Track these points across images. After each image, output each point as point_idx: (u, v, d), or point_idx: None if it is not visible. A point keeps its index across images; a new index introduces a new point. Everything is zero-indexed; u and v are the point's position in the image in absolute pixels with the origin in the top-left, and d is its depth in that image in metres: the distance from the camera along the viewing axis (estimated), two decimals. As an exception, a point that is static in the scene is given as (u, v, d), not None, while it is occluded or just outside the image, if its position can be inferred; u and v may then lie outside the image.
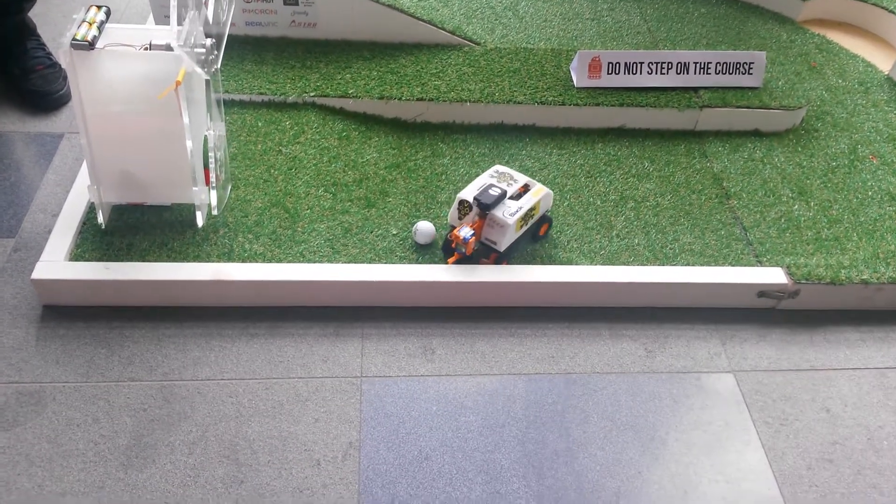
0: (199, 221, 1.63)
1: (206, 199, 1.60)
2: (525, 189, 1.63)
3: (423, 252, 1.66)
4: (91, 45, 1.36)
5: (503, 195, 1.58)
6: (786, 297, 1.70)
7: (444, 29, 2.16)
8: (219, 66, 1.48)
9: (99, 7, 1.44)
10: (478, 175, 1.68)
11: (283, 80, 2.01)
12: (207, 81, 1.48)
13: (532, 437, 1.43)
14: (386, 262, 1.63)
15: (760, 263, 1.74)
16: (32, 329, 1.51)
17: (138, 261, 1.56)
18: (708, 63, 2.12)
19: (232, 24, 1.66)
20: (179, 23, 1.39)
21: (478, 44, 2.21)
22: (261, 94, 1.97)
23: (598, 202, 1.86)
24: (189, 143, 1.48)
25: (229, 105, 1.95)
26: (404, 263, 1.63)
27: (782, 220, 1.86)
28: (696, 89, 2.12)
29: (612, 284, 1.64)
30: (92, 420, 1.38)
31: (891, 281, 1.69)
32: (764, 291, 1.68)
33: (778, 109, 2.10)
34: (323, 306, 1.60)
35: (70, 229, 1.60)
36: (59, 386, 1.42)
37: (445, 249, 1.65)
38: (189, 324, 1.55)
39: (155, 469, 1.32)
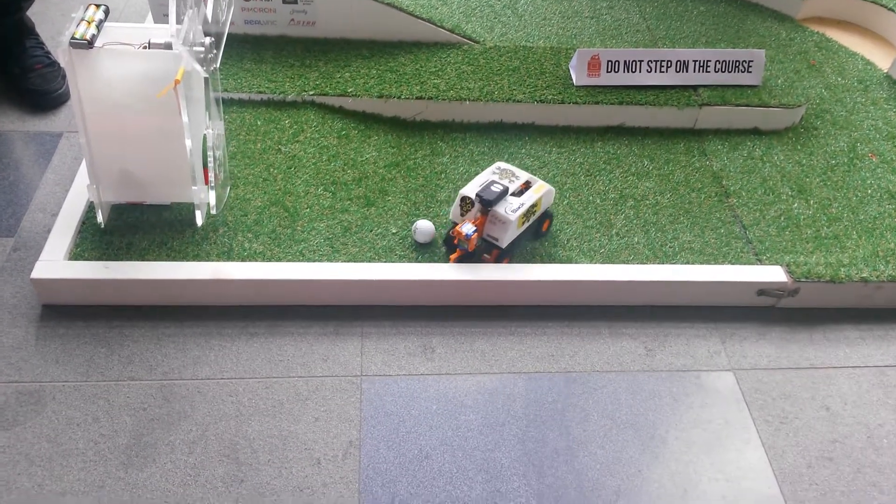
0: (199, 220, 1.63)
1: (205, 199, 1.60)
2: (527, 186, 1.64)
3: (423, 251, 1.66)
4: (90, 44, 1.36)
5: (505, 192, 1.58)
6: (785, 296, 1.70)
7: (443, 27, 2.16)
8: (218, 65, 1.48)
9: (98, 6, 1.44)
10: (478, 172, 1.68)
11: (283, 78, 2.00)
12: (206, 80, 1.47)
13: (532, 436, 1.43)
14: (385, 261, 1.63)
15: (760, 262, 1.74)
16: (32, 328, 1.51)
17: (138, 260, 1.55)
18: (707, 61, 2.12)
19: (231, 23, 1.66)
20: (178, 21, 1.39)
21: (477, 42, 2.21)
22: (260, 92, 1.96)
23: (598, 201, 1.86)
24: (188, 142, 1.48)
25: (228, 104, 1.95)
26: (404, 262, 1.63)
27: (782, 219, 1.86)
28: (695, 87, 2.12)
29: (611, 283, 1.64)
30: (92, 419, 1.38)
31: (890, 279, 1.70)
32: (764, 290, 1.69)
33: (777, 108, 2.10)
34: (323, 305, 1.60)
35: (69, 228, 1.59)
36: (59, 385, 1.42)
37: (447, 246, 1.65)
38: (189, 323, 1.55)
39: (155, 468, 1.32)
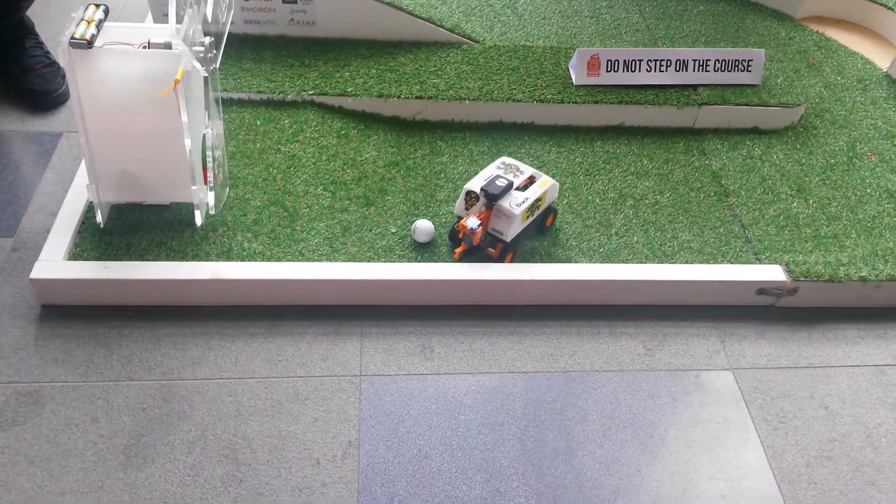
0: (198, 220, 1.63)
1: (204, 198, 1.60)
2: (531, 180, 1.65)
3: (422, 250, 1.66)
4: (90, 44, 1.36)
5: (510, 186, 1.59)
6: (784, 295, 1.70)
7: (442, 27, 2.16)
8: (217, 65, 1.48)
9: (97, 5, 1.44)
10: (478, 172, 1.68)
11: (282, 78, 2.00)
12: (206, 79, 1.47)
13: (531, 436, 1.43)
14: (385, 261, 1.63)
15: (759, 261, 1.74)
16: (31, 329, 1.51)
17: (137, 260, 1.56)
18: (707, 60, 2.11)
19: (231, 23, 1.66)
20: (178, 21, 1.39)
21: (476, 42, 2.21)
22: (259, 92, 1.96)
23: (597, 200, 1.86)
24: (188, 142, 1.48)
25: (228, 103, 1.95)
26: (403, 262, 1.63)
27: (781, 218, 1.86)
28: (694, 87, 2.12)
29: (611, 282, 1.64)
30: (91, 420, 1.38)
31: (889, 278, 1.70)
32: (763, 289, 1.69)
33: (777, 107, 2.10)
34: (322, 305, 1.60)
35: (69, 229, 1.59)
36: (58, 386, 1.42)
37: (452, 240, 1.66)
38: (188, 323, 1.55)
39: (154, 469, 1.32)
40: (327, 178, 1.81)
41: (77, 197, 1.67)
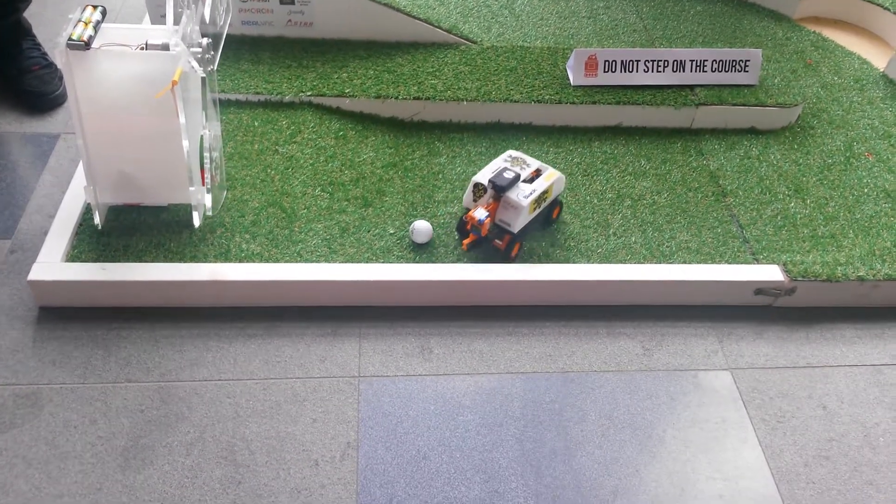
0: (196, 222, 1.62)
1: (202, 200, 1.60)
2: (537, 173, 1.67)
3: (421, 251, 1.66)
4: (87, 45, 1.36)
5: (517, 178, 1.62)
6: (782, 295, 1.70)
7: (440, 28, 2.16)
8: (215, 67, 1.48)
9: (95, 7, 1.44)
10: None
11: (280, 79, 2.00)
12: (203, 80, 1.47)
13: (530, 436, 1.43)
14: (383, 262, 1.63)
15: (757, 261, 1.74)
16: (29, 331, 1.51)
17: (135, 261, 1.55)
18: (704, 61, 2.12)
19: (229, 25, 1.66)
20: (175, 22, 1.39)
21: (474, 42, 2.21)
22: (257, 93, 1.96)
23: (595, 200, 1.86)
24: (185, 143, 1.48)
25: (225, 105, 1.95)
26: (401, 263, 1.63)
27: (778, 218, 1.86)
28: (692, 87, 2.12)
29: (609, 283, 1.64)
30: (89, 422, 1.38)
31: (887, 278, 1.70)
32: (761, 289, 1.69)
33: (774, 107, 2.11)
34: (320, 306, 1.60)
35: (66, 230, 1.59)
36: (56, 387, 1.42)
37: (460, 232, 1.68)
38: (186, 324, 1.54)
39: (153, 470, 1.32)
40: (325, 180, 1.80)
41: (74, 198, 1.67)
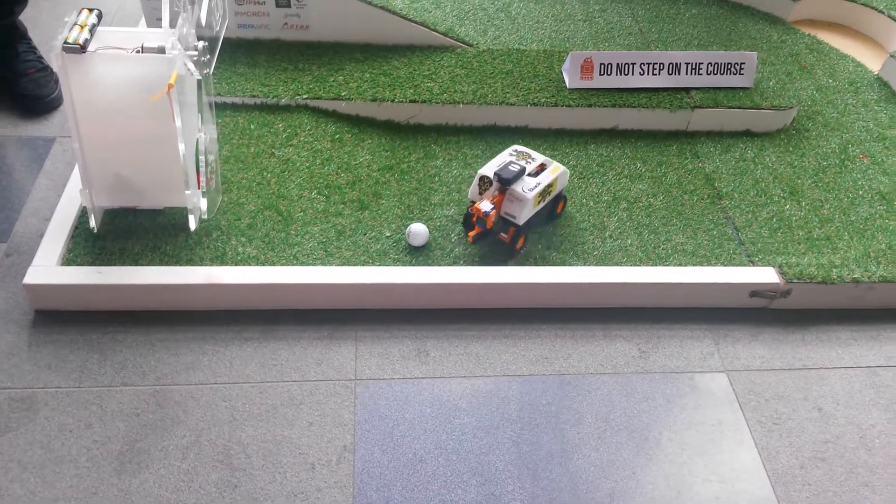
0: (192, 225, 1.62)
1: (198, 203, 1.60)
2: (542, 167, 1.69)
3: (417, 254, 1.67)
4: (83, 49, 1.36)
5: (522, 171, 1.64)
6: (778, 297, 1.71)
7: (436, 31, 2.17)
8: (211, 70, 1.47)
9: (90, 10, 1.44)
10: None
11: (276, 82, 2.00)
12: (199, 83, 1.47)
13: (526, 439, 1.43)
14: (379, 265, 1.63)
15: (752, 263, 1.75)
16: (24, 334, 1.51)
17: (131, 265, 1.55)
18: (699, 64, 2.12)
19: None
20: (171, 25, 1.39)
21: (470, 45, 2.21)
22: (253, 96, 1.96)
23: (591, 203, 1.86)
24: (181, 146, 1.48)
25: (221, 108, 1.95)
26: (398, 266, 1.63)
27: (774, 220, 1.87)
28: (687, 90, 2.12)
29: (605, 285, 1.64)
30: (85, 425, 1.37)
31: (882, 280, 1.70)
32: (756, 291, 1.69)
33: (769, 110, 2.11)
34: (316, 309, 1.60)
35: (62, 233, 1.59)
36: (52, 391, 1.42)
37: (465, 225, 1.69)
38: (182, 328, 1.54)
39: (148, 474, 1.32)
40: (321, 182, 1.80)
41: (70, 202, 1.67)
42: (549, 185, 1.67)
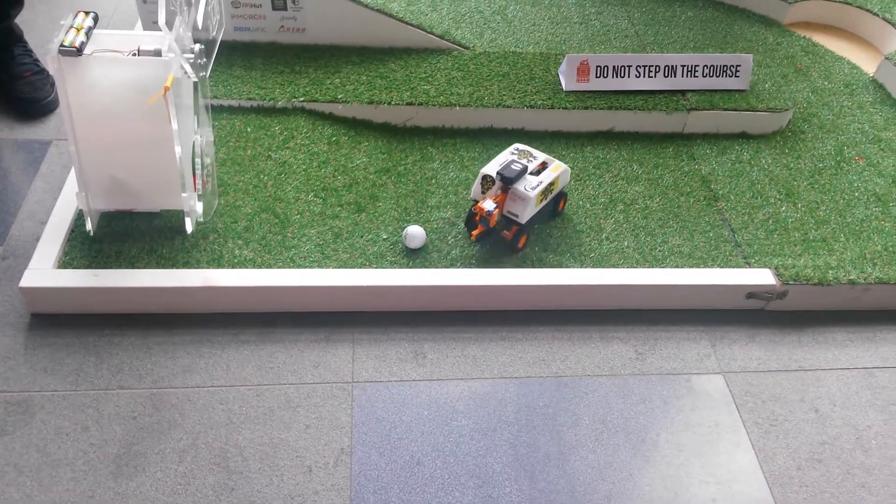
0: (189, 228, 1.62)
1: (194, 206, 1.60)
2: (544, 165, 1.71)
3: (414, 256, 1.67)
4: (79, 52, 1.36)
5: (524, 170, 1.65)
6: (774, 299, 1.71)
7: (433, 33, 2.17)
8: (207, 73, 1.47)
9: (87, 13, 1.44)
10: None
11: (273, 85, 2.00)
12: (195, 85, 1.47)
13: (524, 441, 1.43)
14: (376, 267, 1.63)
15: (749, 265, 1.75)
16: (21, 337, 1.50)
17: (127, 268, 1.55)
18: (695, 66, 2.13)
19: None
20: (168, 28, 1.39)
21: (467, 48, 2.21)
22: (250, 99, 1.96)
23: (588, 205, 1.86)
24: (178, 149, 1.48)
25: (218, 111, 1.95)
26: (395, 268, 1.63)
27: (770, 222, 1.87)
28: (683, 92, 2.13)
29: (601, 287, 1.65)
30: (81, 429, 1.37)
31: (878, 281, 1.71)
32: (752, 293, 1.70)
33: (765, 112, 2.12)
34: (313, 312, 1.60)
35: (58, 237, 1.59)
36: (48, 394, 1.42)
37: (468, 224, 1.71)
38: (179, 331, 1.54)
39: (145, 477, 1.31)
40: (318, 185, 1.80)
41: (66, 205, 1.66)
42: (551, 184, 1.68)
